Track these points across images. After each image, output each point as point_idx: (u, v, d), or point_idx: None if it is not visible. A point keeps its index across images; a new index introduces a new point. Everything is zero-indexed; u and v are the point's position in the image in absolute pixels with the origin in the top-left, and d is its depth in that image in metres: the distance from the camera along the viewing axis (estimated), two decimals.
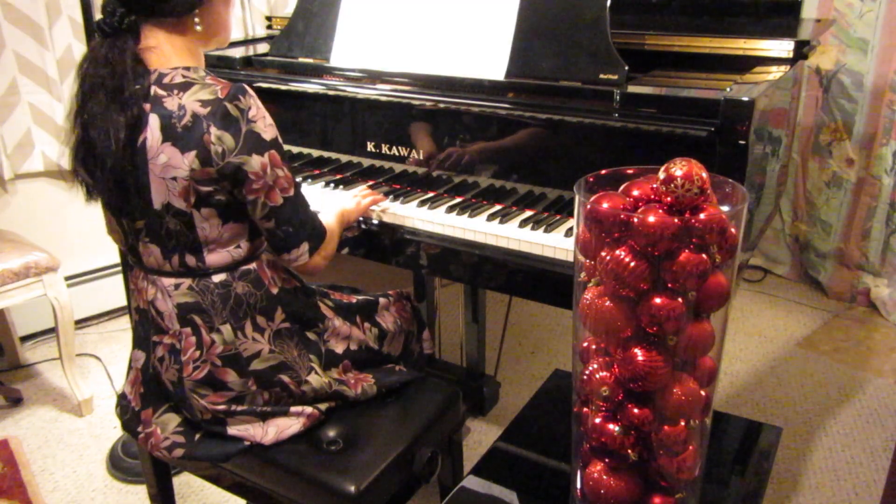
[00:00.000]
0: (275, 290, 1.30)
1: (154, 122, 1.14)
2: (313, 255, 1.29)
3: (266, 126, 1.18)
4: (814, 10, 2.68)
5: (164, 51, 1.20)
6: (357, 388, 1.37)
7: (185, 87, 1.16)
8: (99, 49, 1.17)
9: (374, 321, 1.47)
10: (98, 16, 1.21)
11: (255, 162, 1.16)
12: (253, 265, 1.28)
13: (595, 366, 0.97)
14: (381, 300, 1.51)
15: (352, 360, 1.40)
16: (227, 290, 1.25)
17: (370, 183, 1.69)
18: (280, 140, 1.22)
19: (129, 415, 1.37)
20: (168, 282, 1.24)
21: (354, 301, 1.46)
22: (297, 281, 1.37)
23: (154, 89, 1.15)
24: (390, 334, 1.49)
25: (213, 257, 1.23)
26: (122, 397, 1.40)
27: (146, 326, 1.31)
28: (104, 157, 1.15)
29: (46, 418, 2.25)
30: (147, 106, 1.14)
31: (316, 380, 1.31)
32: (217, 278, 1.25)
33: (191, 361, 1.25)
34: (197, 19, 1.22)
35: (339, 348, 1.38)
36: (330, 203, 1.49)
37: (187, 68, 1.19)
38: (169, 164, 1.14)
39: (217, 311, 1.25)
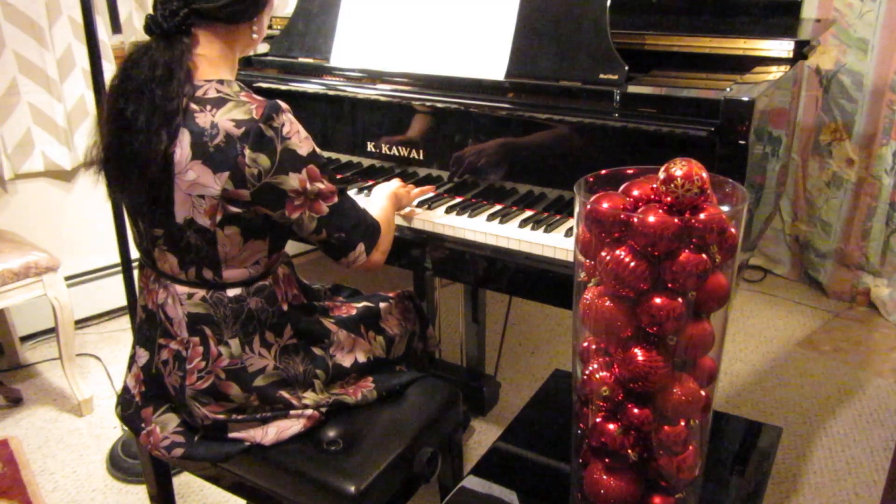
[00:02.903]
0: (286, 307, 1.29)
1: (185, 137, 1.11)
2: (371, 253, 1.28)
3: (301, 140, 1.15)
4: (814, 10, 2.68)
5: (210, 59, 1.16)
6: (357, 395, 1.36)
7: (219, 103, 1.12)
8: (155, 49, 1.12)
9: (380, 328, 1.45)
10: (99, 16, 1.19)
11: (293, 180, 1.14)
12: (268, 280, 1.26)
13: (595, 366, 0.97)
14: (383, 305, 1.49)
15: (359, 372, 1.38)
16: (240, 305, 1.23)
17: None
18: (317, 151, 1.18)
19: (131, 409, 1.35)
20: (181, 290, 1.23)
21: (355, 312, 1.43)
22: (304, 298, 1.36)
23: (187, 102, 1.12)
24: (397, 338, 1.48)
25: (231, 273, 1.22)
26: (124, 391, 1.38)
27: (152, 327, 1.30)
28: (145, 163, 1.11)
29: (46, 418, 2.25)
30: (178, 119, 1.11)
31: (314, 395, 1.30)
32: (231, 293, 1.23)
33: (195, 371, 1.24)
34: (255, 27, 1.20)
35: (347, 361, 1.36)
36: (380, 189, 1.48)
37: (221, 82, 1.15)
38: (197, 182, 1.11)
39: (228, 325, 1.23)
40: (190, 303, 1.22)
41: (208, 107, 1.12)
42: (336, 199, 1.21)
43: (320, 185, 1.18)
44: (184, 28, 1.13)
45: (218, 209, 1.14)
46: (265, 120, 1.11)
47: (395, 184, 1.52)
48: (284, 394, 1.27)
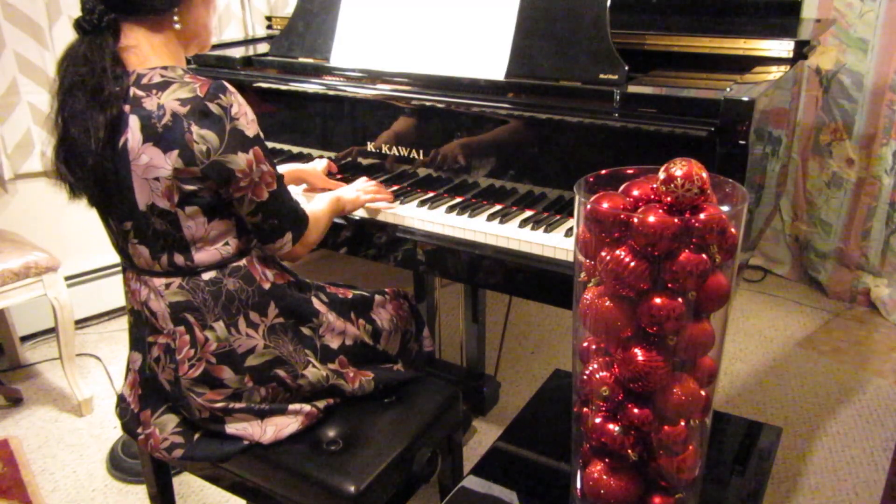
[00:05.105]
0: (267, 286, 1.30)
1: (134, 123, 1.13)
2: (296, 243, 1.31)
3: (248, 122, 1.18)
4: (814, 10, 2.68)
5: (142, 50, 1.19)
6: (354, 383, 1.37)
7: (163, 86, 1.15)
8: (78, 47, 1.16)
9: (369, 318, 1.47)
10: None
11: (241, 160, 1.17)
12: (243, 261, 1.28)
13: (595, 366, 0.97)
14: (377, 297, 1.51)
15: (347, 355, 1.40)
16: (217, 288, 1.25)
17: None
18: (261, 135, 1.22)
19: (128, 416, 1.37)
20: (158, 282, 1.25)
21: (350, 296, 1.46)
22: (290, 276, 1.37)
23: (133, 90, 1.15)
24: (385, 332, 1.49)
25: (202, 255, 1.23)
26: (121, 399, 1.40)
27: (141, 327, 1.31)
28: (84, 155, 1.15)
29: (46, 418, 2.25)
30: (127, 107, 1.14)
31: (313, 373, 1.32)
32: (207, 276, 1.25)
33: (186, 360, 1.25)
34: (176, 17, 1.21)
35: (335, 343, 1.38)
36: (333, 192, 1.51)
37: (165, 67, 1.18)
38: (151, 165, 1.14)
39: (209, 309, 1.25)
40: (168, 292, 1.24)
41: (154, 91, 1.15)
42: (276, 186, 1.25)
43: (264, 168, 1.21)
44: (104, 24, 1.16)
45: (174, 190, 1.16)
46: (211, 98, 1.14)
47: (347, 189, 1.55)
48: (280, 372, 1.29)
